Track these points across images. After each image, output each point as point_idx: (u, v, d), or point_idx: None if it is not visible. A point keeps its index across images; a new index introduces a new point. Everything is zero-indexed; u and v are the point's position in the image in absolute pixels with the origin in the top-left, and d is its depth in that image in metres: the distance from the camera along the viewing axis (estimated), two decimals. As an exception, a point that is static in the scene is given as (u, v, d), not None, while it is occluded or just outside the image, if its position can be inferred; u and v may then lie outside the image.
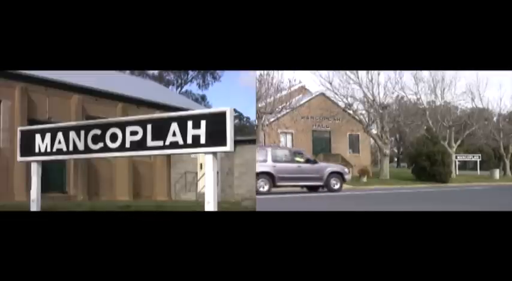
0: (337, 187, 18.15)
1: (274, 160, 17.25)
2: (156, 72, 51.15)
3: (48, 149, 6.63)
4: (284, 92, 28.13)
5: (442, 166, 28.71)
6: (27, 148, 6.86)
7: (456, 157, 36.12)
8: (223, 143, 5.21)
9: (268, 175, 16.78)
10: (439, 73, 34.41)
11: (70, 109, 20.87)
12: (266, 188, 16.74)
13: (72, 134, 6.42)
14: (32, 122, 17.75)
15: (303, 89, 34.43)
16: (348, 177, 19.49)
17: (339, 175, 18.38)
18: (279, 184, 17.06)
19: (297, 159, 18.12)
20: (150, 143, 5.76)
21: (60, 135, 6.53)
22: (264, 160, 17.01)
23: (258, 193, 16.45)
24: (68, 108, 20.72)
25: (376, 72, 30.37)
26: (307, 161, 18.24)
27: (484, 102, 39.44)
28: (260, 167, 16.69)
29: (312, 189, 18.39)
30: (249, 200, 12.79)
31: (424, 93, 34.92)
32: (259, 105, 26.13)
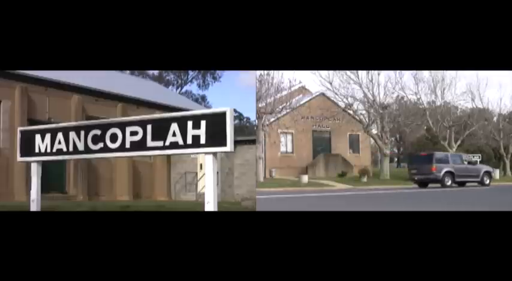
0: (487, 182, 23.97)
1: (453, 162, 23.27)
2: (156, 72, 51.18)
3: (48, 150, 6.64)
4: (284, 92, 28.15)
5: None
6: (27, 148, 6.86)
7: (456, 157, 36.05)
8: (223, 144, 5.21)
9: (451, 174, 22.76)
10: (439, 73, 34.41)
11: (70, 109, 20.88)
12: (450, 182, 22.59)
13: (72, 135, 6.42)
14: (32, 122, 17.77)
15: (303, 89, 34.43)
16: (493, 175, 25.97)
17: (489, 174, 24.54)
18: (456, 180, 22.86)
19: (464, 162, 23.98)
20: (150, 143, 5.76)
21: (60, 136, 6.53)
22: (447, 162, 23.09)
23: (444, 185, 22.07)
24: (68, 108, 20.73)
25: (376, 72, 30.36)
26: (469, 163, 24.28)
27: (484, 102, 39.43)
28: (446, 168, 22.70)
29: (461, 184, 23.39)
30: (249, 200, 12.78)
31: (424, 93, 34.93)
32: (259, 105, 26.13)
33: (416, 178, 23.50)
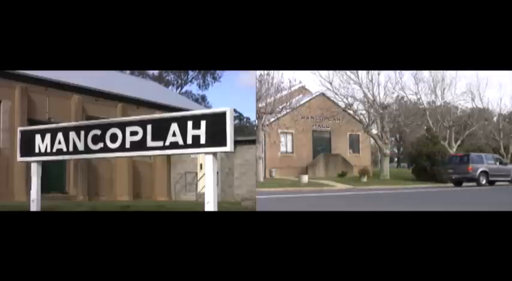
0: None
1: (487, 163, 25.09)
2: (156, 72, 51.18)
3: (48, 150, 6.64)
4: (284, 92, 28.11)
5: (442, 165, 28.72)
6: (27, 148, 6.86)
7: (456, 157, 36.06)
8: (223, 144, 5.21)
9: (485, 173, 24.52)
10: (439, 73, 34.36)
11: (70, 109, 20.87)
12: (484, 181, 24.22)
13: (72, 135, 6.42)
14: (32, 122, 17.77)
15: (303, 89, 34.40)
16: None
17: None
18: (490, 179, 24.54)
19: (496, 162, 25.93)
20: (150, 143, 5.76)
21: (60, 136, 6.53)
22: (482, 163, 24.83)
23: (479, 184, 23.56)
24: (68, 108, 20.72)
25: (376, 72, 30.34)
26: (500, 163, 26.35)
27: (484, 102, 39.37)
28: (481, 168, 24.41)
29: (492, 183, 24.87)
30: (249, 200, 12.78)
31: (424, 93, 34.89)
32: (259, 105, 26.11)
33: (453, 177, 25.06)
